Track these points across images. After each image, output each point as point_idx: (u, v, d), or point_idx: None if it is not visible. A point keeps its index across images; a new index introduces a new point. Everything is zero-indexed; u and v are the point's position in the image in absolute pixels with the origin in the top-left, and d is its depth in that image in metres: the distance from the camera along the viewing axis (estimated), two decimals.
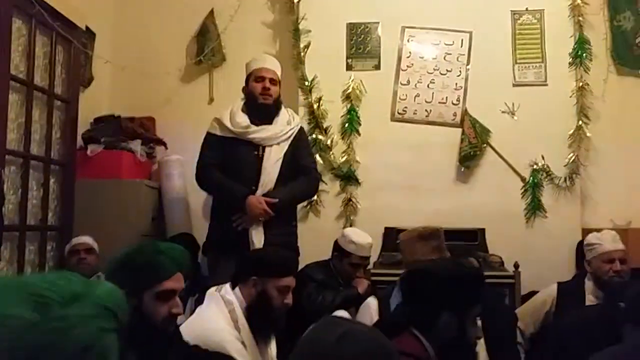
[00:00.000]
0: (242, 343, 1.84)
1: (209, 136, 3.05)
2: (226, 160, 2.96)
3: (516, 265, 3.31)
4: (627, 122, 3.67)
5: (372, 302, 2.50)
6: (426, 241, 2.39)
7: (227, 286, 1.99)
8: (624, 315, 1.98)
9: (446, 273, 1.67)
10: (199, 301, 2.13)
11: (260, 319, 1.92)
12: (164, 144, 3.85)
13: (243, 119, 2.99)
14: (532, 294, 3.09)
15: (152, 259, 1.51)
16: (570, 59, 3.72)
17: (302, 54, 3.72)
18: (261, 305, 1.91)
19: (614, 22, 3.77)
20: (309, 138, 3.50)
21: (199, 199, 3.79)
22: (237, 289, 1.97)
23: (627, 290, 2.18)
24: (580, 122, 3.67)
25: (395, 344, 1.51)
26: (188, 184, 3.67)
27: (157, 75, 3.85)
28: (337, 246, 3.05)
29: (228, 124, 2.99)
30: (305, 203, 3.50)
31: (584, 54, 3.70)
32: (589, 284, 2.75)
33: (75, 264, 3.02)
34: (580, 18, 3.70)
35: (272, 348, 2.02)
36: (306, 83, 3.71)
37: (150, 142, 3.80)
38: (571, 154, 3.66)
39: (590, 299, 2.69)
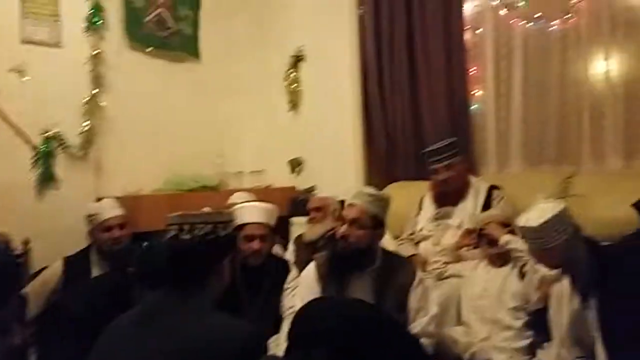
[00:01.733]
0: None
1: None
2: None
3: (26, 242, 2.86)
4: (137, 95, 3.63)
5: None
6: None
7: None
8: (133, 280, 1.93)
9: None
10: None
11: None
12: None
13: None
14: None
15: None
16: (86, 25, 3.32)
17: None
18: None
19: None
20: None
21: None
22: None
23: (134, 254, 2.15)
24: (95, 91, 3.36)
25: None
26: None
27: None
28: None
29: None
30: None
31: (99, 22, 3.38)
32: (94, 256, 2.60)
33: None
34: None
35: None
36: None
37: None
38: (86, 123, 3.31)
39: (96, 271, 2.55)
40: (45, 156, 3.15)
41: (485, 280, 2.35)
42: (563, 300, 1.80)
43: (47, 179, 3.17)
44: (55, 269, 2.53)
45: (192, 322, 1.30)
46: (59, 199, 3.21)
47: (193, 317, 1.32)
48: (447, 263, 2.58)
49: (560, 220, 1.73)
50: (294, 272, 2.38)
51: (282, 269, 2.36)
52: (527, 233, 1.78)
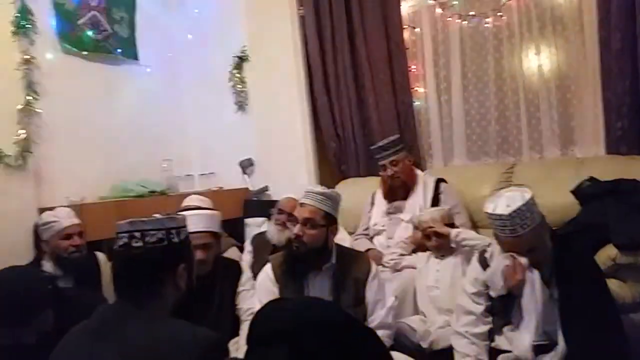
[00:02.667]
0: None
1: None
2: None
3: None
4: (76, 100, 3.46)
5: None
6: None
7: None
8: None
9: None
10: None
11: None
12: None
13: None
14: None
15: None
16: (13, 29, 3.13)
17: None
18: None
19: (57, 1, 3.40)
20: None
21: None
22: None
23: None
24: (29, 98, 3.17)
25: None
26: None
27: None
28: None
29: None
30: None
31: (28, 26, 3.19)
32: (47, 265, 2.55)
33: None
34: None
35: None
36: None
37: None
38: (22, 131, 3.12)
39: None
40: None
41: (436, 271, 2.41)
42: (536, 286, 1.78)
43: None
44: None
45: (150, 331, 1.25)
46: None
47: (150, 325, 1.27)
48: (402, 255, 2.63)
49: (528, 208, 1.72)
50: (247, 273, 2.35)
51: (233, 271, 2.31)
52: (496, 221, 1.75)
